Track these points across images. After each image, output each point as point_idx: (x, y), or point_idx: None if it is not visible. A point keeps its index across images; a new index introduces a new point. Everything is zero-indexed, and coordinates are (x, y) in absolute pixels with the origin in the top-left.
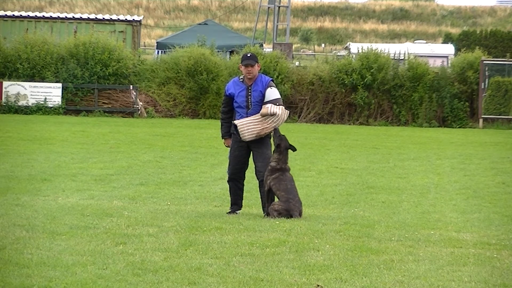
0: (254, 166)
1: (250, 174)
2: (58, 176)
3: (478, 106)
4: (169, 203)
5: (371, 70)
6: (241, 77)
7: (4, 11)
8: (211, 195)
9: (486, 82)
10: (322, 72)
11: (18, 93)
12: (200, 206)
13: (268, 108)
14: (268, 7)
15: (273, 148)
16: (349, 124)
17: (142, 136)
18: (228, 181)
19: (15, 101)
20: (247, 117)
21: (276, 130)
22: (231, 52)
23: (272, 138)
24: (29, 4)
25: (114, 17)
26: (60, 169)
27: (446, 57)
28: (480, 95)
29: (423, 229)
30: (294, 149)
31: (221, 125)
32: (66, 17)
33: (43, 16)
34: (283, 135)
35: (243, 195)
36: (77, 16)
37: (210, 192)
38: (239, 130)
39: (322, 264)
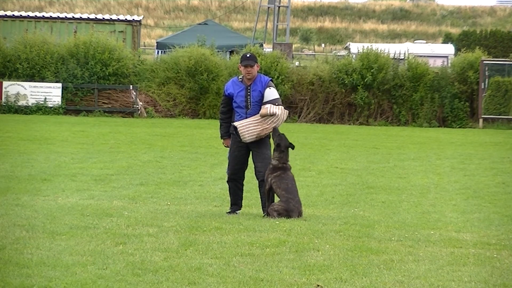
0: (253, 166)
1: (250, 174)
2: (58, 176)
3: (478, 106)
4: (169, 203)
5: (372, 70)
6: (240, 77)
7: (4, 11)
8: (211, 195)
9: (486, 82)
10: (322, 72)
11: (18, 93)
12: (200, 206)
13: (267, 108)
14: (268, 7)
15: (272, 147)
16: (349, 124)
17: (142, 136)
18: (227, 181)
19: (15, 101)
20: (246, 117)
21: (275, 129)
22: (231, 52)
23: (271, 137)
24: (29, 4)
25: (114, 17)
26: (60, 169)
27: (446, 57)
28: (480, 95)
29: (423, 229)
30: (293, 147)
31: (220, 125)
32: (66, 17)
33: (43, 16)
34: (283, 134)
35: (243, 195)
36: (77, 16)
37: (210, 192)
38: (239, 132)
39: (322, 264)
